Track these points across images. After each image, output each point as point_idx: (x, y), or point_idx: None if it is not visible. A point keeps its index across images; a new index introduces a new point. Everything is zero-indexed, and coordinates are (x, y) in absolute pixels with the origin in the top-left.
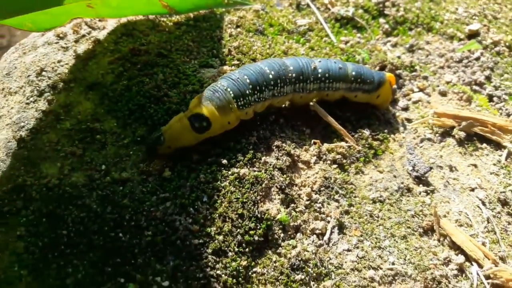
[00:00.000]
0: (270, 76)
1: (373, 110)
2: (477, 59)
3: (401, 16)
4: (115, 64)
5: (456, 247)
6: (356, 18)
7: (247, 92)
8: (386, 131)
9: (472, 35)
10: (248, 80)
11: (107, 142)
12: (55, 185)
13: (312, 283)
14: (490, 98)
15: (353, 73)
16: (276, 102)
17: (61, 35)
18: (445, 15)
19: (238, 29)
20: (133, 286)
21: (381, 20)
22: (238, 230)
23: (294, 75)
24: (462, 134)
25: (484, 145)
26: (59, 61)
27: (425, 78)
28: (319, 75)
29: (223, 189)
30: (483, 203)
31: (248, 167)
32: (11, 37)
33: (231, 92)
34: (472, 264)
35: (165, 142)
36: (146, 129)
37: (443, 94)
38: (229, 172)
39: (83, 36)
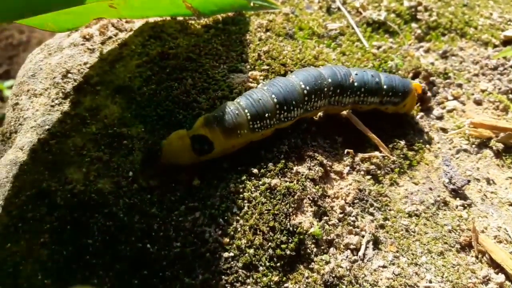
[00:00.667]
0: (305, 92)
1: (408, 119)
2: None
3: (434, 21)
4: (143, 68)
5: (495, 265)
6: (388, 22)
7: (267, 115)
8: (421, 141)
9: (508, 41)
10: (275, 100)
11: (134, 147)
12: (80, 192)
13: None
14: None
15: (385, 86)
16: (307, 115)
17: (87, 37)
18: (479, 20)
19: (268, 33)
20: None
21: (414, 24)
22: (270, 243)
23: (331, 88)
24: (500, 146)
25: None
26: (85, 63)
27: (460, 85)
28: (355, 89)
29: (253, 200)
30: None
31: (280, 177)
32: (30, 32)
33: (248, 114)
34: None
35: (161, 158)
36: None
37: (478, 102)
38: (260, 182)
39: (110, 38)
